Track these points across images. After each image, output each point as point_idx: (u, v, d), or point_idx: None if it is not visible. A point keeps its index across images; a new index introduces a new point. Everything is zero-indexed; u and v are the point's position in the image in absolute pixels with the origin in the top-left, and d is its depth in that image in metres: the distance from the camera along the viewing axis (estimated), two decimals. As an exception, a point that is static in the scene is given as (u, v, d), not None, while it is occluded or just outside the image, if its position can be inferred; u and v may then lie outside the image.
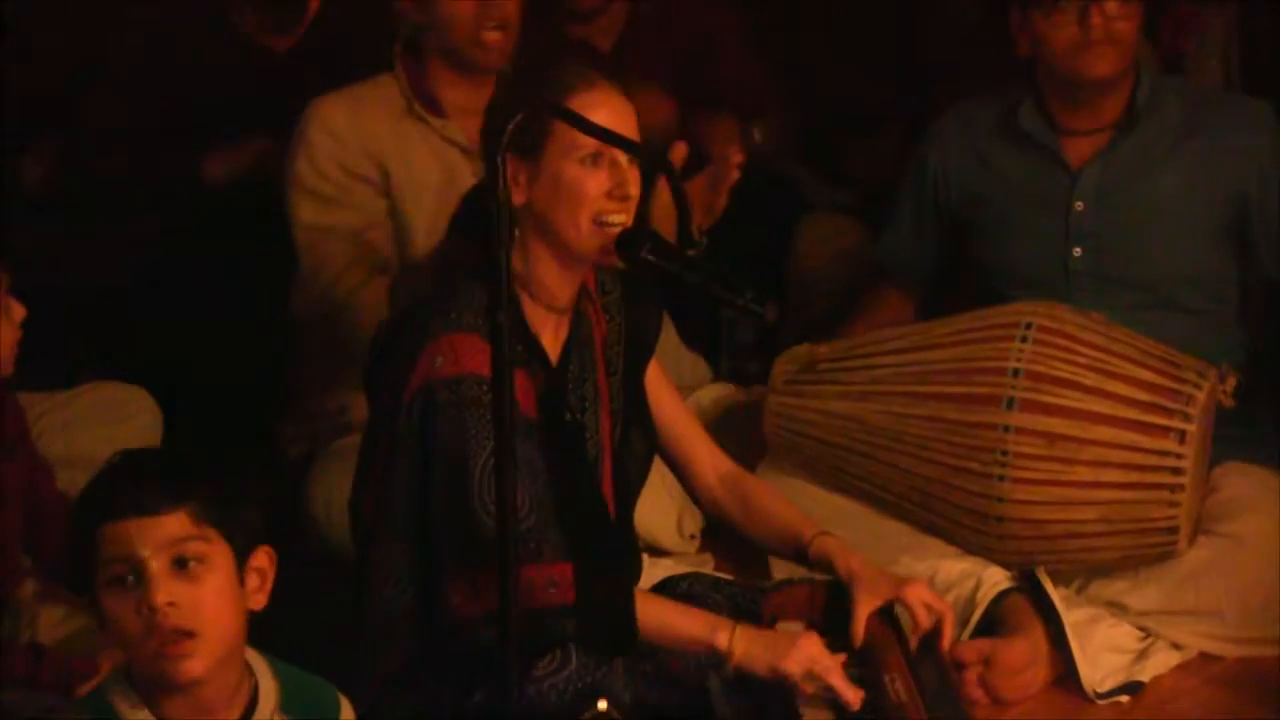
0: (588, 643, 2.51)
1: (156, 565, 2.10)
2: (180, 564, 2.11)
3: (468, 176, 3.36)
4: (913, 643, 2.72)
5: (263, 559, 2.21)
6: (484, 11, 3.36)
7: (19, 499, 2.79)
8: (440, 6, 3.38)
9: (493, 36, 3.37)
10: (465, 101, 3.44)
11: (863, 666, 2.60)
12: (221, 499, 2.16)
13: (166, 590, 2.10)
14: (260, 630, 2.26)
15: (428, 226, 3.38)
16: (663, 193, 3.09)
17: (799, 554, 2.84)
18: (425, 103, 3.45)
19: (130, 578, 2.11)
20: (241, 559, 2.17)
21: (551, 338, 2.67)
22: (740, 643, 2.56)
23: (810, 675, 2.53)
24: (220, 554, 2.15)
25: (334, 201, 3.45)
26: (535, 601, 2.49)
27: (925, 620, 2.71)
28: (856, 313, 3.70)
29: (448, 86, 3.45)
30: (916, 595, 2.73)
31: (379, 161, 3.44)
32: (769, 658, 2.55)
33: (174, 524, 2.11)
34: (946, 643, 2.73)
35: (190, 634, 2.11)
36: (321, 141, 3.45)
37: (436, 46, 3.43)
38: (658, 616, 2.60)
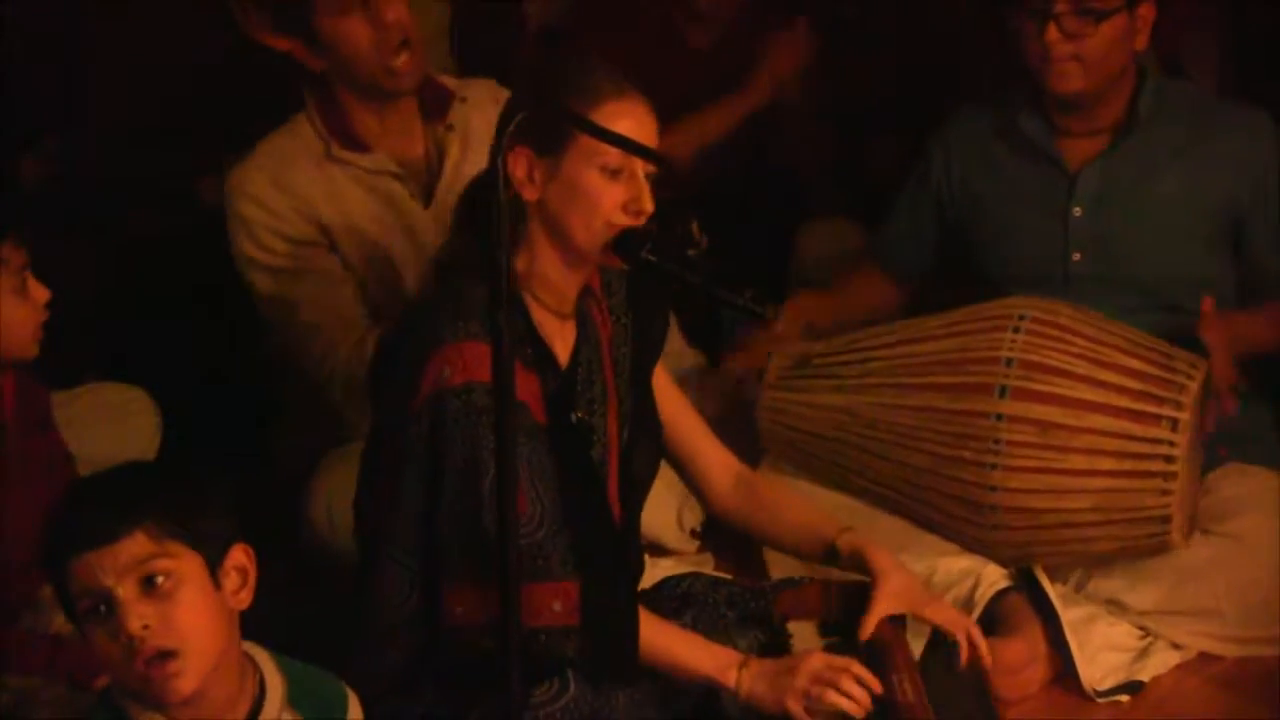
0: (587, 666, 2.50)
1: (124, 591, 2.09)
2: (149, 584, 2.09)
3: (406, 198, 3.33)
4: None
5: (240, 557, 2.19)
6: (383, 38, 3.22)
7: (42, 482, 2.79)
8: (337, 47, 3.24)
9: (401, 61, 3.24)
10: (387, 125, 3.34)
11: (870, 665, 2.60)
12: (179, 509, 2.14)
13: (138, 614, 2.09)
14: (259, 633, 2.27)
15: (377, 263, 3.32)
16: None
17: (826, 552, 2.82)
18: (344, 141, 3.32)
19: (102, 608, 2.09)
20: (214, 563, 2.16)
21: (560, 340, 2.66)
22: (747, 682, 2.54)
23: (812, 703, 2.52)
24: (189, 565, 2.13)
25: (286, 270, 3.33)
26: (538, 620, 2.47)
27: (960, 637, 2.70)
28: (836, 284, 3.72)
29: (365, 117, 3.33)
30: (944, 615, 2.72)
31: (312, 218, 3.31)
32: (773, 696, 2.53)
33: (133, 546, 2.10)
34: (985, 658, 2.71)
35: (173, 653, 2.10)
36: (254, 215, 3.31)
37: (345, 83, 3.30)
38: (666, 647, 2.57)
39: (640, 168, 2.56)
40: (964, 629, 2.71)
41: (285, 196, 3.31)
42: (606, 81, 2.57)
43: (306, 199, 3.31)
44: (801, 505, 2.91)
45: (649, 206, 2.57)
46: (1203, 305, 3.22)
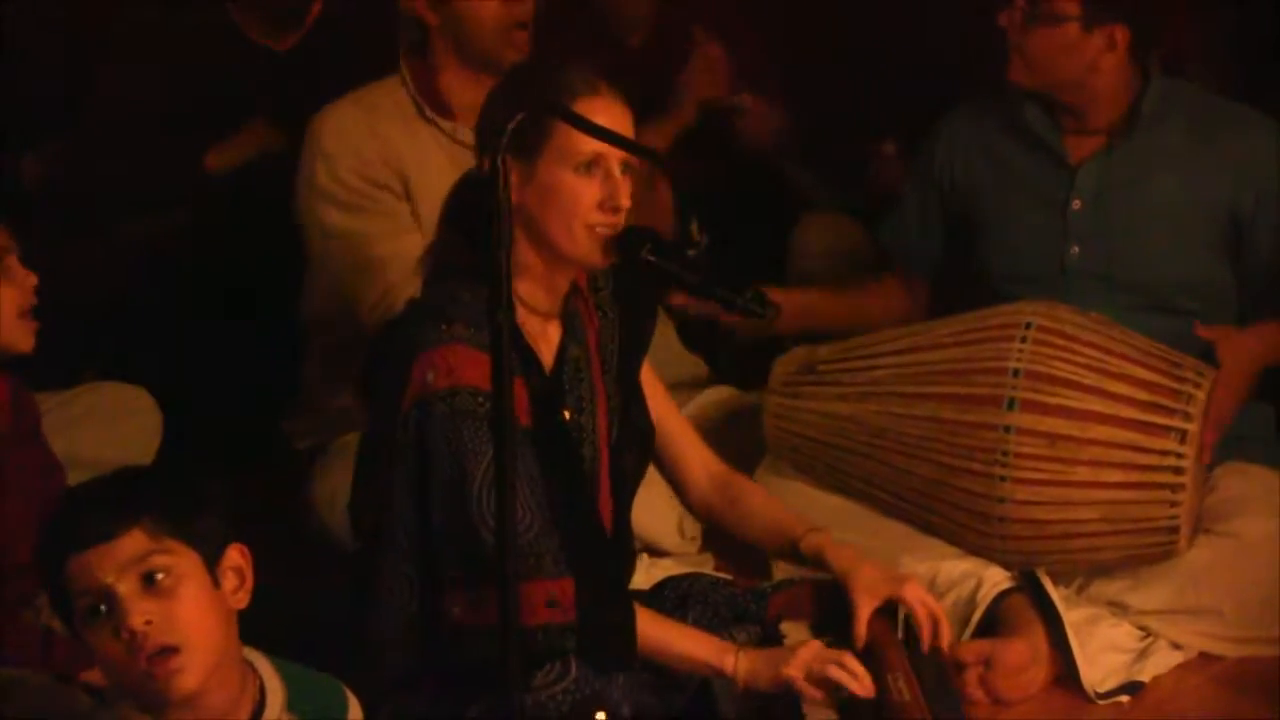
0: (587, 658, 2.51)
1: (124, 588, 2.09)
2: (148, 581, 2.10)
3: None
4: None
5: (237, 557, 2.19)
6: (509, 11, 3.36)
7: (33, 492, 2.79)
8: (463, 7, 3.36)
9: (521, 35, 3.37)
10: (474, 101, 3.41)
11: (865, 665, 2.60)
12: (177, 508, 2.15)
13: (140, 610, 2.09)
14: (260, 630, 2.27)
15: None
16: (662, 193, 3.09)
17: (792, 551, 2.84)
18: (434, 105, 3.44)
19: (103, 607, 2.10)
20: (212, 562, 2.16)
21: (544, 341, 2.66)
22: (744, 664, 2.57)
23: (812, 675, 2.54)
24: (188, 562, 2.13)
25: (359, 208, 3.42)
26: (535, 619, 2.48)
27: (924, 619, 2.71)
28: (847, 289, 3.70)
29: (458, 87, 3.43)
30: (915, 594, 2.73)
31: (397, 168, 3.42)
32: (770, 671, 2.55)
33: (131, 544, 2.10)
34: (945, 642, 2.73)
35: (175, 649, 2.10)
36: (339, 150, 3.41)
37: (453, 46, 3.41)
38: (663, 638, 2.59)
39: (615, 164, 2.56)
40: (930, 614, 2.72)
41: (374, 141, 3.41)
42: (578, 78, 2.58)
43: (394, 148, 3.41)
44: (773, 506, 2.93)
45: (625, 202, 2.58)
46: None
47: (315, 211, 3.45)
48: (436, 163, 3.40)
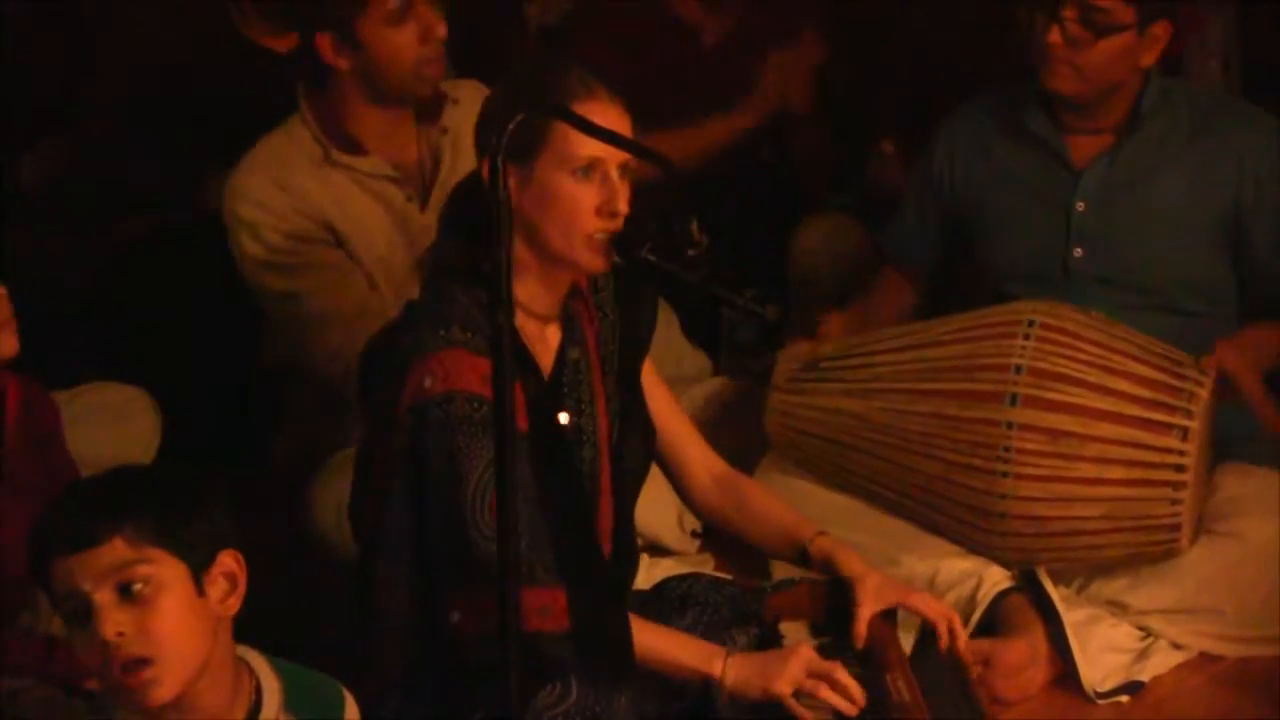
0: (585, 669, 2.49)
1: (101, 597, 2.07)
2: (125, 591, 2.08)
3: (403, 201, 3.34)
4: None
5: (229, 563, 2.17)
6: (426, 49, 3.28)
7: (44, 494, 2.76)
8: (378, 52, 3.27)
9: (435, 69, 3.31)
10: (385, 129, 3.36)
11: (864, 666, 2.60)
12: (163, 515, 2.12)
13: (114, 621, 2.07)
14: (260, 632, 2.27)
15: (383, 266, 3.35)
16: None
17: (799, 555, 2.83)
18: (342, 145, 3.34)
19: (81, 614, 2.08)
20: (199, 570, 2.14)
21: (543, 345, 2.65)
22: (733, 671, 2.54)
23: (803, 692, 2.53)
24: (170, 572, 2.11)
25: (291, 268, 3.35)
26: (528, 626, 2.45)
27: (941, 625, 2.70)
28: (859, 297, 3.71)
29: (369, 121, 3.34)
30: (923, 602, 2.73)
31: (318, 218, 3.34)
32: (760, 682, 2.53)
33: (111, 552, 2.08)
34: (961, 644, 2.72)
35: (147, 660, 2.08)
36: (257, 216, 3.33)
37: (362, 86, 3.32)
38: (651, 644, 2.57)
39: (613, 168, 2.55)
40: (945, 617, 2.71)
41: (287, 196, 3.32)
42: (576, 82, 2.56)
43: (309, 200, 3.32)
44: (779, 508, 2.91)
45: (623, 207, 2.56)
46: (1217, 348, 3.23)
47: (255, 277, 3.38)
48: (357, 202, 3.33)
